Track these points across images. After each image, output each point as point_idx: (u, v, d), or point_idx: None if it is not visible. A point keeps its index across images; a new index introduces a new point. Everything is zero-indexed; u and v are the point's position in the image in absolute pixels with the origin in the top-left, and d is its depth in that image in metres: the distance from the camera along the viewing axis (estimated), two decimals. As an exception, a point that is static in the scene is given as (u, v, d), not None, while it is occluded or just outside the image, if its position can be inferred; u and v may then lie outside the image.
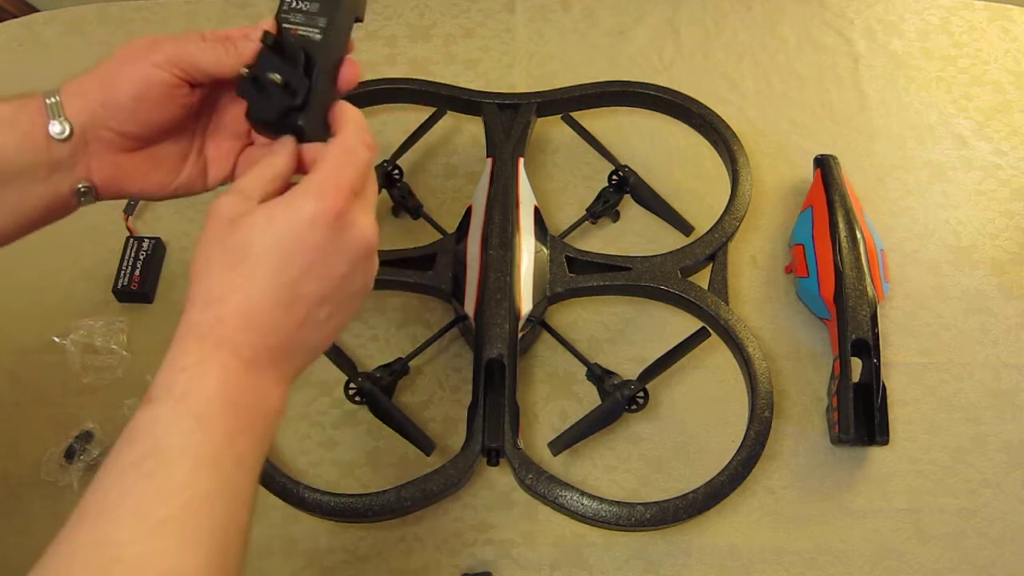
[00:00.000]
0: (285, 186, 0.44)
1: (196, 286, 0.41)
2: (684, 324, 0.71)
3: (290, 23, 0.46)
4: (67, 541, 0.34)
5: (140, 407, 0.38)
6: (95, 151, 0.47)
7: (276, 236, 0.40)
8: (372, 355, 0.72)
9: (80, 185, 0.47)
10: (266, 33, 0.44)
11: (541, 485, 0.61)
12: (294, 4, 0.46)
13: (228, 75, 0.46)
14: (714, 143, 0.79)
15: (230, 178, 0.51)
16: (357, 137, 0.44)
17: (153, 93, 0.46)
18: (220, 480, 0.37)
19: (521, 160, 0.74)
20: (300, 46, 0.45)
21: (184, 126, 0.50)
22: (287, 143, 0.46)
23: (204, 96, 0.49)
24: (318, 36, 0.46)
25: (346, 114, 0.46)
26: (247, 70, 0.45)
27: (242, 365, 0.40)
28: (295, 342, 0.42)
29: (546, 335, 0.72)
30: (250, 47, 0.46)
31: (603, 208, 0.76)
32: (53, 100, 0.45)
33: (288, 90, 0.45)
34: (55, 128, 0.45)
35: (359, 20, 0.49)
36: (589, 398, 0.69)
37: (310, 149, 0.46)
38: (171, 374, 0.39)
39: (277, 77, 0.44)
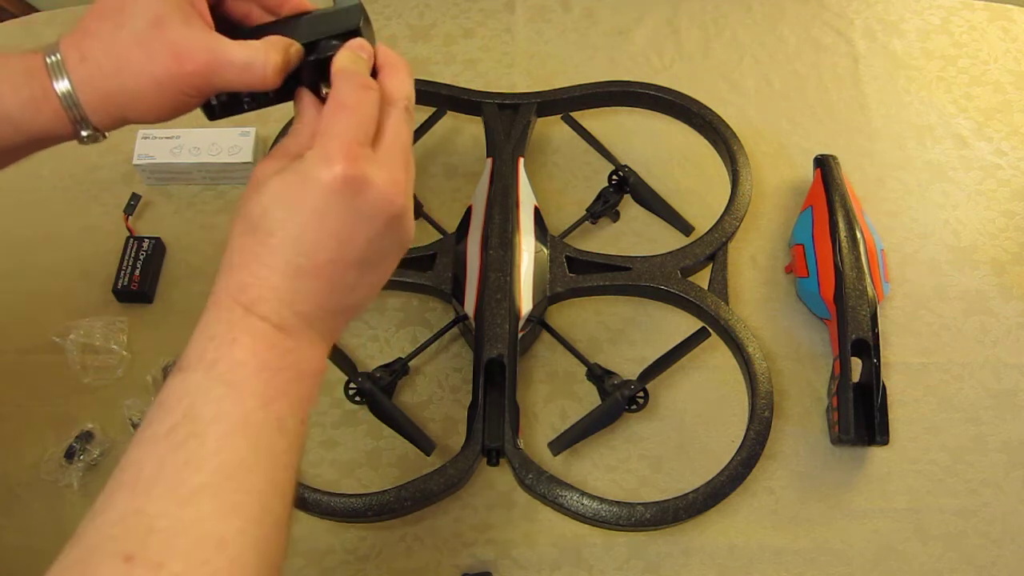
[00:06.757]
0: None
1: (225, 252, 0.40)
2: (684, 324, 0.71)
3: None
4: (100, 515, 0.34)
5: (170, 377, 0.37)
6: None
7: (290, 207, 0.39)
8: (372, 355, 0.71)
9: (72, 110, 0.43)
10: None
11: (541, 485, 0.61)
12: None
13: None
14: (714, 143, 0.79)
15: None
16: (347, 85, 0.42)
17: (168, 113, 0.44)
18: (256, 444, 0.36)
19: (521, 160, 0.74)
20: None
21: None
22: (303, 97, 0.45)
23: None
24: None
25: (335, 65, 0.43)
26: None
27: (273, 329, 0.39)
28: (327, 307, 0.41)
29: (546, 335, 0.72)
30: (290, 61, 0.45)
31: (603, 208, 0.76)
32: (65, 89, 0.42)
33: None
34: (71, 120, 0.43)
35: None
36: (589, 398, 0.69)
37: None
38: (201, 342, 0.38)
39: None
